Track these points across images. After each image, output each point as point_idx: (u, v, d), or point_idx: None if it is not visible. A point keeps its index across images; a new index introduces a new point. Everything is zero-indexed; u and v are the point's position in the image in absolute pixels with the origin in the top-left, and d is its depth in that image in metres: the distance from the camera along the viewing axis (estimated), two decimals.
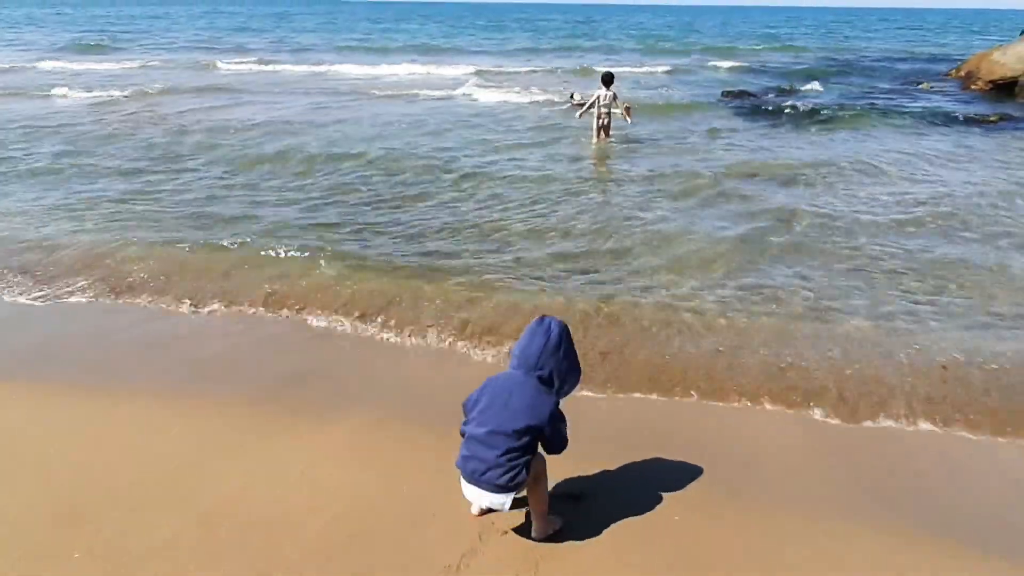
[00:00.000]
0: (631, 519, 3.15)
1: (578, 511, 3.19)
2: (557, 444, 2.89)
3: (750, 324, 5.14)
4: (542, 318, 2.91)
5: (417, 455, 3.59)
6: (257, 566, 2.85)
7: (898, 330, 5.09)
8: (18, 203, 8.09)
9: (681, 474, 3.47)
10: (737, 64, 27.10)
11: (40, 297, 5.61)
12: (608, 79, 11.40)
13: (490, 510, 3.00)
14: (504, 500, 2.84)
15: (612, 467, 3.51)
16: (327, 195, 8.53)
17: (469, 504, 3.08)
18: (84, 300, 5.59)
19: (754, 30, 53.80)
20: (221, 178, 9.32)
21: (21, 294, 5.66)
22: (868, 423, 4.00)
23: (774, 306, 5.48)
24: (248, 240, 6.73)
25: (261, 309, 5.44)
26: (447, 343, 4.91)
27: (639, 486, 3.38)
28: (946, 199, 8.49)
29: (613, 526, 3.11)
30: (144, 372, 4.47)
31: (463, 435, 2.92)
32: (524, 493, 2.94)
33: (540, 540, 3.01)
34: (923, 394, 4.26)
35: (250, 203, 8.15)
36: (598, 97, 11.43)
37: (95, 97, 16.51)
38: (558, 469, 3.22)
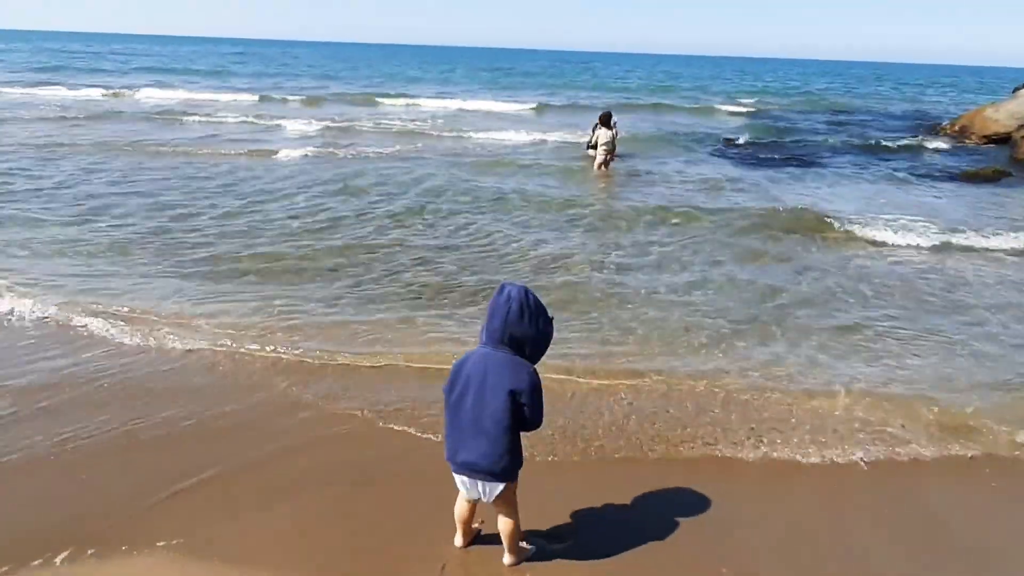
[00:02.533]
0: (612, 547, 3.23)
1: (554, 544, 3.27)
2: (534, 415, 2.79)
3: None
4: (502, 287, 2.81)
5: None
6: None
7: None
8: None
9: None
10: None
11: None
12: (607, 119, 12.19)
13: (482, 534, 3.07)
14: (492, 488, 2.86)
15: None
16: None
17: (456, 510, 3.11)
18: None
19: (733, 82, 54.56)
20: None
21: None
22: None
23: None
24: None
25: None
26: None
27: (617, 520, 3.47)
28: None
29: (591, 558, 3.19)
30: None
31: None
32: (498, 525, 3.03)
33: (513, 566, 3.08)
34: None
35: None
36: (598, 136, 12.82)
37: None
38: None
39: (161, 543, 3.22)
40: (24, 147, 14.04)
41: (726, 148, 18.01)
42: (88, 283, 6.71)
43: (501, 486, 2.88)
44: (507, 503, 2.98)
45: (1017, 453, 4.28)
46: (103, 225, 8.78)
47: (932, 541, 3.47)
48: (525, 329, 2.77)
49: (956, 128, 22.02)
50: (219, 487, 3.65)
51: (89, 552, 3.16)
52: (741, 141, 19.13)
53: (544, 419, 2.87)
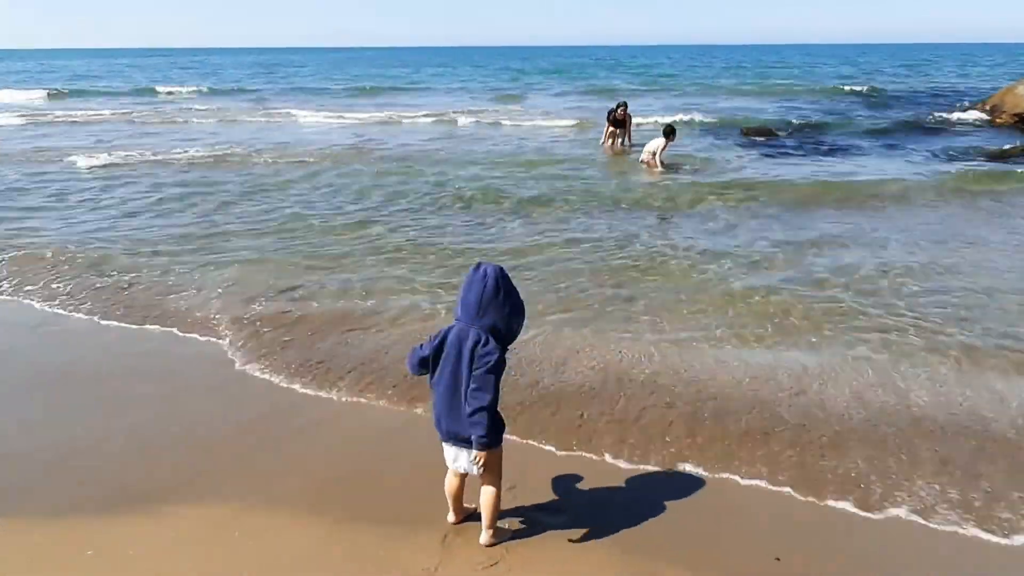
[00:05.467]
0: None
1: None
2: (480, 393, 2.78)
3: None
4: (478, 265, 2.89)
5: None
6: None
7: None
8: None
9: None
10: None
11: None
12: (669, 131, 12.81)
13: (472, 520, 3.09)
14: (477, 457, 2.88)
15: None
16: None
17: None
18: None
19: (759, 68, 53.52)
20: None
21: None
22: None
23: None
24: None
25: None
26: None
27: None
28: None
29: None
30: None
31: (415, 373, 3.02)
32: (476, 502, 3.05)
33: (490, 546, 3.09)
34: None
35: None
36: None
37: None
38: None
39: None
40: None
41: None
42: None
43: (484, 454, 2.90)
44: (491, 471, 3.00)
45: None
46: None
47: None
48: (499, 307, 2.83)
49: (987, 106, 21.42)
50: None
51: None
52: None
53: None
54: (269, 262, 7.42)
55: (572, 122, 20.33)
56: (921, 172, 12.40)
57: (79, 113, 24.52)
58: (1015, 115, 18.85)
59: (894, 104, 25.54)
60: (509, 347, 2.93)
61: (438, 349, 2.92)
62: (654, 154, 12.63)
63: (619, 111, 15.23)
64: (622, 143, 15.46)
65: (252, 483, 3.65)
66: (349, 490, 3.58)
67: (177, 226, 8.97)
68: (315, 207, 9.96)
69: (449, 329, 2.93)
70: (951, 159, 13.91)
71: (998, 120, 19.41)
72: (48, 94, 33.52)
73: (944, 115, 21.29)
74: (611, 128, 15.45)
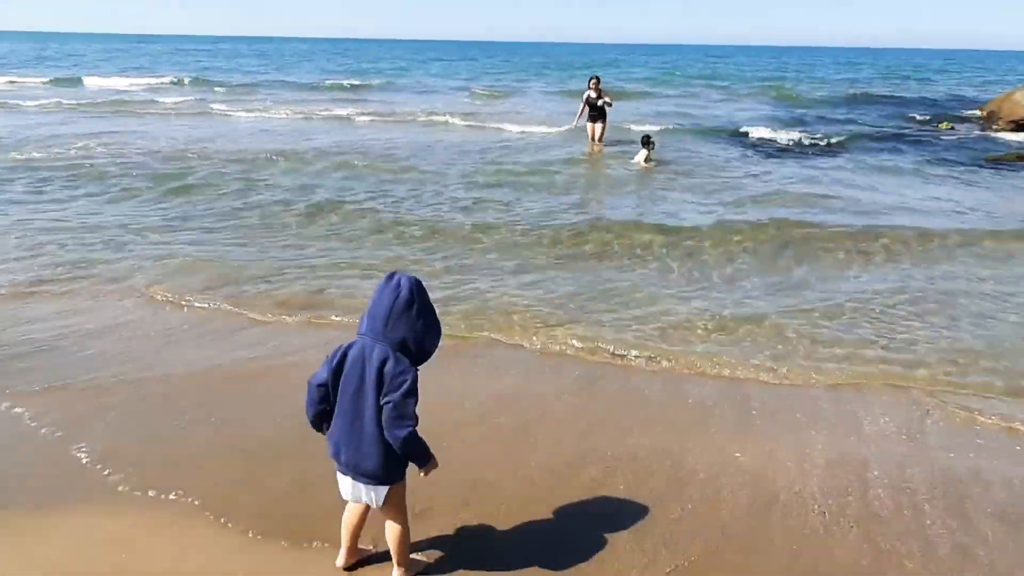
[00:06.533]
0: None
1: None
2: (398, 421, 2.49)
3: None
4: (391, 274, 2.60)
5: None
6: None
7: None
8: None
9: None
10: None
11: None
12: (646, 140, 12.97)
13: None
14: (378, 493, 2.66)
15: None
16: None
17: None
18: None
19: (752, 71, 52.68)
20: None
21: None
22: None
23: None
24: None
25: None
26: None
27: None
28: None
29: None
30: None
31: (317, 418, 2.69)
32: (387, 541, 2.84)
33: None
34: None
35: None
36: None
37: None
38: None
39: None
40: None
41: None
42: None
43: (386, 489, 2.67)
44: (394, 507, 2.75)
45: None
46: None
47: None
48: (411, 322, 2.55)
49: (984, 113, 21.22)
50: None
51: None
52: None
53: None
54: None
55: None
56: None
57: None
58: (1011, 122, 18.63)
59: (883, 105, 25.17)
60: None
61: (338, 369, 2.63)
62: (646, 159, 12.87)
63: (591, 86, 14.16)
64: (601, 136, 14.54)
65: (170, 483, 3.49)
66: (272, 503, 3.40)
67: None
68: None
69: (350, 345, 2.62)
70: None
71: (994, 127, 19.14)
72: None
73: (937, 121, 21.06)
74: (586, 111, 14.45)
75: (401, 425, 2.52)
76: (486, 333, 5.54)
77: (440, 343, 2.70)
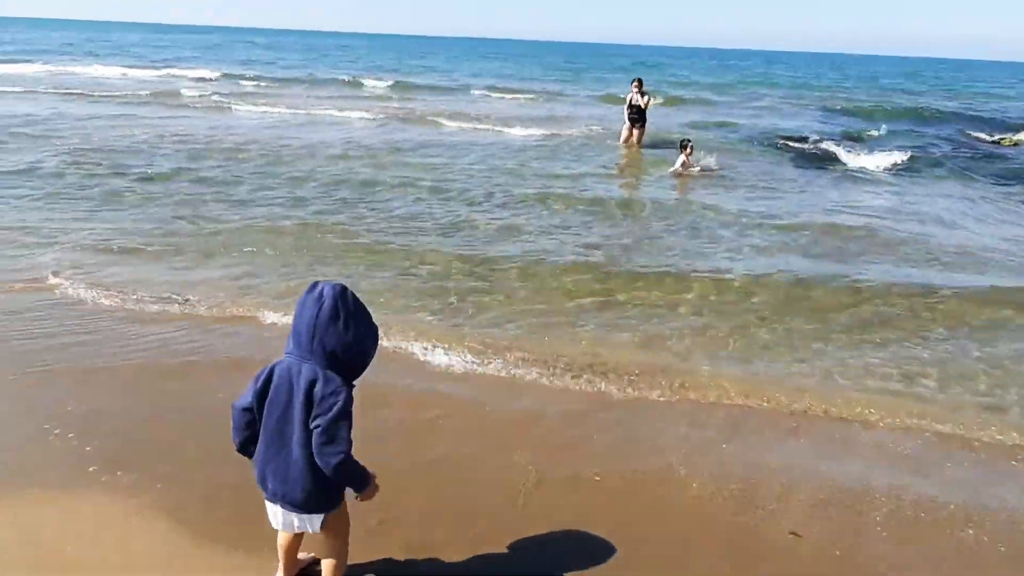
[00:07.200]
0: None
1: None
2: (329, 447, 2.24)
3: None
4: (314, 284, 2.32)
5: None
6: None
7: None
8: None
9: None
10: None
11: None
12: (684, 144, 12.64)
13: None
14: (312, 521, 2.42)
15: None
16: None
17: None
18: None
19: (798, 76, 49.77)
20: None
21: None
22: None
23: None
24: None
25: None
26: None
27: None
28: None
29: None
30: None
31: (243, 444, 2.44)
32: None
33: None
34: None
35: None
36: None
37: None
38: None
39: None
40: None
41: None
42: None
43: (320, 517, 2.43)
44: (332, 533, 2.51)
45: None
46: None
47: None
48: (338, 335, 2.27)
49: None
50: None
51: None
52: None
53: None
54: None
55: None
56: None
57: None
58: None
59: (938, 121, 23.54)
60: (356, 382, 2.39)
61: (263, 391, 2.35)
62: (684, 165, 12.58)
63: (634, 88, 14.24)
64: (639, 140, 14.55)
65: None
66: (219, 504, 3.22)
67: None
68: None
69: (276, 365, 2.36)
70: None
71: None
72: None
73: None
74: (629, 118, 14.52)
75: (332, 452, 2.26)
76: None
77: (377, 351, 2.42)
